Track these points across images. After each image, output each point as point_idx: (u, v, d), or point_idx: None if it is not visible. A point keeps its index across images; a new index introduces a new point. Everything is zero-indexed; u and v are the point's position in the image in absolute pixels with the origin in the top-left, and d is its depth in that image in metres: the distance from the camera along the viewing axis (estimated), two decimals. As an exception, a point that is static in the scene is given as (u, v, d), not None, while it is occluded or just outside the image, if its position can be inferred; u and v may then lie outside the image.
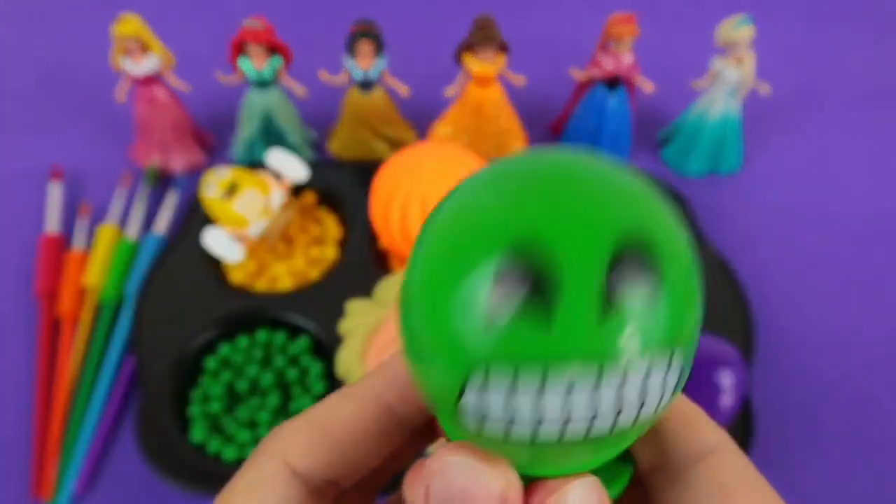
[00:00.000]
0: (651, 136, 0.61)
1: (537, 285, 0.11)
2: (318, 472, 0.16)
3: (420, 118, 0.60)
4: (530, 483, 0.14)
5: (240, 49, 0.52)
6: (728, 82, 0.54)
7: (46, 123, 0.62)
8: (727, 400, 0.37)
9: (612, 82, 0.55)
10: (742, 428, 0.41)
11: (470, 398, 0.12)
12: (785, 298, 0.50)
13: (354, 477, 0.17)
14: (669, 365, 0.13)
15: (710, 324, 0.45)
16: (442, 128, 0.57)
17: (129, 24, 0.51)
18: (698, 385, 0.38)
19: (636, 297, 0.12)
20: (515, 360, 0.12)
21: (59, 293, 0.49)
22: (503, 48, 0.53)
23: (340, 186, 0.53)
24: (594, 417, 0.12)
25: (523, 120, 0.59)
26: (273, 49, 0.53)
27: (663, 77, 0.58)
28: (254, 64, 0.52)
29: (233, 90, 0.56)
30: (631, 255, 0.12)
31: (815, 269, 0.53)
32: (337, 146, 0.58)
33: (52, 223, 0.52)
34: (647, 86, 0.55)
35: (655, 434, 0.16)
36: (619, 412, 0.12)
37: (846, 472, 0.43)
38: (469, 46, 0.52)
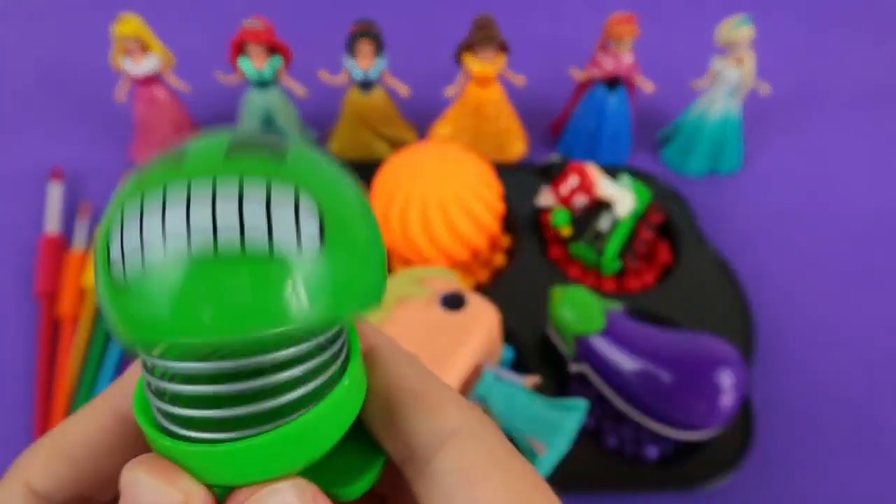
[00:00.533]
0: (651, 136, 0.61)
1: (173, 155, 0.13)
2: (62, 490, 0.15)
3: (420, 118, 0.60)
4: (228, 493, 0.14)
5: (240, 49, 0.52)
6: (728, 82, 0.54)
7: (47, 123, 0.62)
8: (727, 400, 0.37)
9: (612, 82, 0.55)
10: (742, 428, 0.41)
11: (113, 239, 0.13)
12: (785, 298, 0.50)
13: (106, 492, 0.16)
14: (296, 204, 0.13)
15: (711, 324, 0.45)
16: (442, 128, 0.57)
17: (130, 24, 0.51)
18: (698, 385, 0.38)
19: (260, 146, 0.13)
20: (141, 190, 0.13)
21: (59, 293, 0.49)
22: (503, 48, 0.53)
23: (340, 186, 0.53)
24: (217, 229, 0.12)
25: (523, 120, 0.59)
26: (273, 49, 0.53)
27: (663, 77, 0.59)
28: (254, 64, 0.52)
29: (233, 90, 0.56)
30: (254, 138, 0.14)
31: (814, 269, 0.53)
32: (337, 146, 0.58)
33: (53, 223, 0.52)
34: (647, 86, 0.55)
35: (396, 421, 0.15)
36: (242, 228, 0.12)
37: (846, 472, 0.43)
38: (469, 46, 0.52)
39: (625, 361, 0.39)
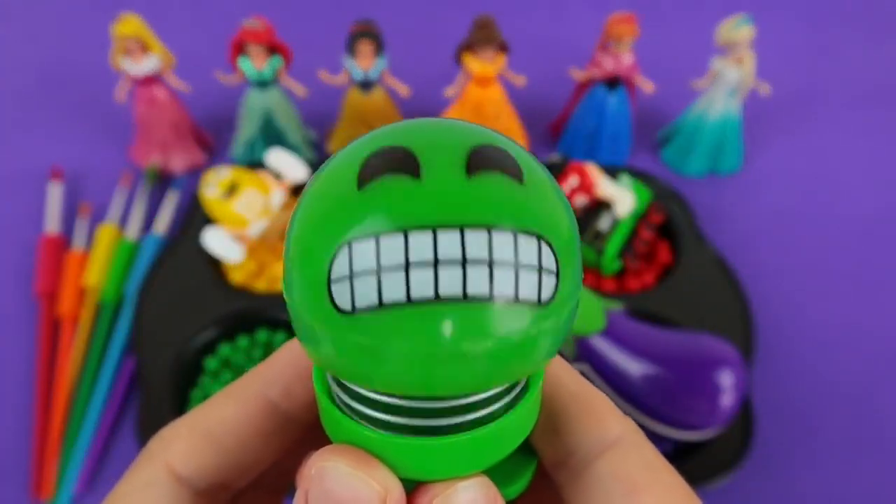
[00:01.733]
0: (651, 136, 0.61)
1: (404, 163, 0.12)
2: (204, 475, 0.15)
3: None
4: (416, 487, 0.14)
5: (240, 49, 0.52)
6: (728, 82, 0.54)
7: (46, 123, 0.62)
8: (727, 400, 0.37)
9: (612, 82, 0.55)
10: (742, 428, 0.41)
11: (339, 261, 0.12)
12: (785, 298, 0.50)
13: (245, 478, 0.16)
14: (539, 252, 0.12)
15: (710, 324, 0.45)
16: (442, 128, 0.57)
17: (130, 25, 0.51)
18: (698, 385, 0.38)
19: (499, 166, 0.12)
20: (377, 224, 0.12)
21: (59, 293, 0.49)
22: (503, 48, 0.53)
23: (340, 186, 0.53)
24: (465, 279, 0.12)
25: (523, 120, 0.59)
26: (273, 49, 0.53)
27: (663, 77, 0.59)
28: (254, 64, 0.52)
29: (233, 90, 0.56)
30: (488, 147, 0.13)
31: (814, 269, 0.53)
32: (337, 146, 0.58)
33: (53, 223, 0.53)
34: (646, 86, 0.55)
35: (557, 427, 0.15)
36: (491, 279, 0.12)
37: (845, 472, 0.43)
38: (469, 46, 0.52)
39: (625, 361, 0.39)
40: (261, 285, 0.48)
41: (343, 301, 0.12)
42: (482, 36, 0.51)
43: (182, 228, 0.50)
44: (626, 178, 0.51)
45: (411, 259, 0.11)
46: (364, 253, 0.12)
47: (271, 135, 0.56)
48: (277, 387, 0.16)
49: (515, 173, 0.12)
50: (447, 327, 0.12)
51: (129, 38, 0.51)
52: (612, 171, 0.52)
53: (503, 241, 0.12)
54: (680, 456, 0.41)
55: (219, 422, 0.15)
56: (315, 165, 0.54)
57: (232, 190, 0.47)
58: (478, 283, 0.12)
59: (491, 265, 0.12)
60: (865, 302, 0.51)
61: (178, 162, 0.57)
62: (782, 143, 0.62)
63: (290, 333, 0.46)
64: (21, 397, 0.45)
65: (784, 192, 0.58)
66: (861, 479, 0.42)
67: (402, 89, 0.55)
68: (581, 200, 0.49)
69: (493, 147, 0.13)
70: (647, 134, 0.61)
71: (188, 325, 0.45)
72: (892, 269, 0.53)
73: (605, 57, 0.54)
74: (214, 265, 0.49)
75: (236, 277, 0.48)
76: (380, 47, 0.52)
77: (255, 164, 0.53)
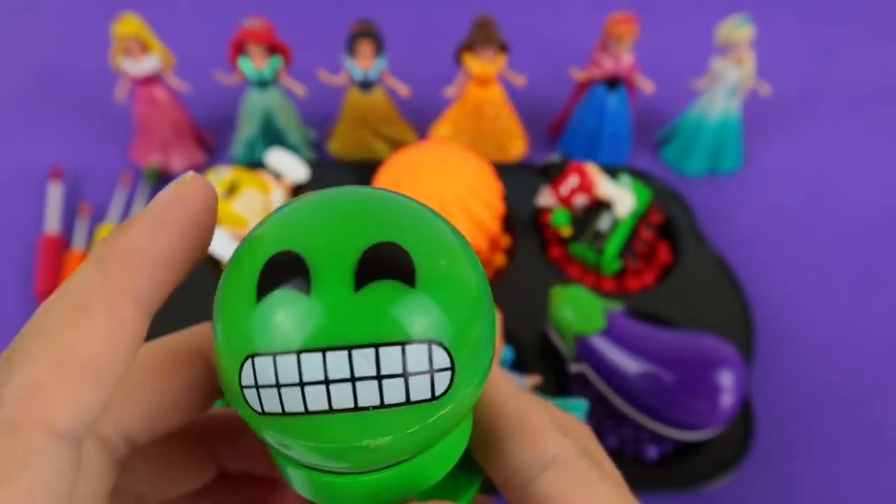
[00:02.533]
0: (651, 136, 0.61)
1: (296, 275, 0.13)
2: (87, 422, 0.12)
3: (420, 118, 0.60)
4: None
5: (240, 49, 0.52)
6: (728, 82, 0.54)
7: (46, 124, 0.62)
8: (727, 400, 0.37)
9: (612, 82, 0.55)
10: (742, 428, 0.41)
11: (245, 372, 0.13)
12: (785, 298, 0.50)
13: (152, 428, 0.15)
14: (430, 356, 0.13)
15: (710, 324, 0.45)
16: (442, 128, 0.57)
17: (130, 24, 0.51)
18: (698, 385, 0.38)
19: (389, 273, 0.13)
20: (272, 343, 0.13)
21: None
22: (503, 48, 0.53)
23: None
24: (355, 393, 0.13)
25: (523, 120, 0.59)
26: (273, 49, 0.53)
27: (663, 77, 0.59)
28: (254, 64, 0.52)
29: (233, 90, 0.56)
30: (382, 248, 0.13)
31: (814, 269, 0.53)
32: (337, 146, 0.58)
33: (52, 223, 0.53)
34: (646, 86, 0.55)
35: (497, 448, 0.16)
36: (381, 390, 0.13)
37: (845, 472, 0.43)
38: (469, 46, 0.52)
39: (625, 361, 0.39)
40: (261, 285, 0.48)
41: (254, 404, 0.13)
42: (482, 36, 0.51)
43: (182, 228, 0.50)
44: (626, 178, 0.51)
45: (304, 378, 0.13)
46: (264, 368, 0.13)
47: (271, 135, 0.56)
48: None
49: (407, 278, 0.13)
50: (345, 431, 0.13)
51: (129, 38, 0.51)
52: (612, 171, 0.52)
53: (390, 355, 0.13)
54: (680, 456, 0.41)
55: (90, 347, 0.12)
56: (315, 165, 0.53)
57: (232, 190, 0.47)
58: (368, 395, 0.13)
59: (380, 379, 0.13)
60: (865, 302, 0.51)
61: (178, 162, 0.57)
62: (782, 143, 0.62)
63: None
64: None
65: (784, 192, 0.58)
66: (860, 479, 0.42)
67: (403, 89, 0.55)
68: (581, 200, 0.49)
69: (387, 246, 0.13)
70: (647, 134, 0.61)
71: (187, 325, 0.45)
72: (893, 268, 0.53)
73: (606, 57, 0.54)
74: (214, 265, 0.49)
75: (236, 277, 0.48)
76: (380, 47, 0.52)
77: (255, 164, 0.53)
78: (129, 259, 0.13)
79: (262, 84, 0.54)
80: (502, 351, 0.41)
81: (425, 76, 0.61)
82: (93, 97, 0.63)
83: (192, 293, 0.48)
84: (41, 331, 0.12)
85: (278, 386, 0.13)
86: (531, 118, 0.61)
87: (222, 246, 0.46)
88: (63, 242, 0.52)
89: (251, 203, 0.47)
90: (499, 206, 0.47)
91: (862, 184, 0.59)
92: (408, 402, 0.13)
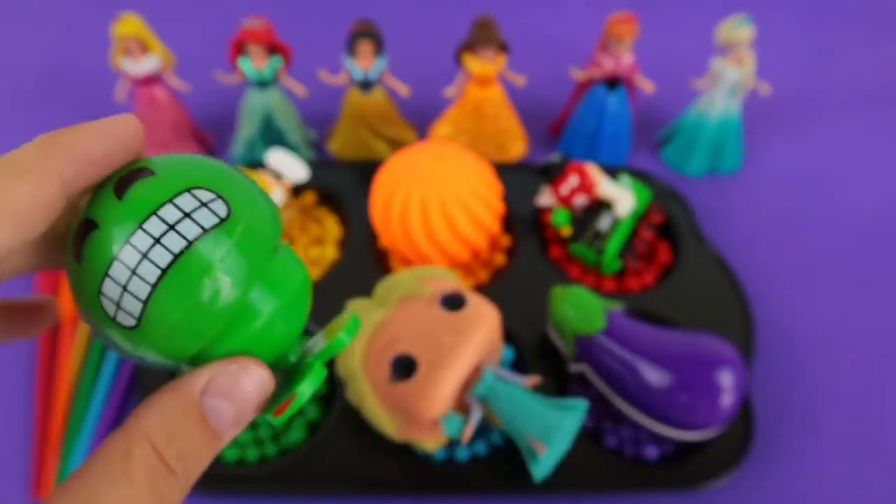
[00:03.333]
0: (651, 136, 0.62)
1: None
2: None
3: (420, 118, 0.60)
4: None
5: (240, 49, 0.52)
6: (728, 82, 0.54)
7: (46, 124, 0.62)
8: (727, 399, 0.37)
9: (612, 82, 0.55)
10: (742, 428, 0.41)
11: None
12: (785, 298, 0.51)
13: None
14: (196, 197, 0.18)
15: (710, 323, 0.45)
16: (442, 128, 0.57)
17: (130, 25, 0.51)
18: (698, 385, 0.38)
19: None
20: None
21: (59, 293, 0.49)
22: (503, 48, 0.53)
23: (340, 186, 0.53)
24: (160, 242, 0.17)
25: (523, 120, 0.59)
26: (273, 49, 0.53)
27: (663, 77, 0.59)
28: (254, 64, 0.52)
29: (232, 90, 0.56)
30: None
31: (814, 269, 0.53)
32: (337, 146, 0.58)
33: (52, 223, 0.53)
34: (647, 86, 0.55)
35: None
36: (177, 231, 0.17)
37: (845, 471, 0.43)
38: (469, 46, 0.52)
39: (625, 361, 0.39)
40: (261, 285, 0.48)
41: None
42: (482, 36, 0.51)
43: (182, 228, 0.50)
44: (626, 178, 0.51)
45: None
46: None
47: (271, 135, 0.56)
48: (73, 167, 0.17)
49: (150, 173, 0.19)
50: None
51: (129, 38, 0.51)
52: (613, 171, 0.52)
53: (169, 211, 0.17)
54: (680, 456, 0.41)
55: (16, 200, 0.16)
56: (315, 165, 0.54)
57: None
58: (174, 242, 0.17)
59: (172, 228, 0.17)
60: (865, 302, 0.51)
61: (178, 162, 0.57)
62: (782, 143, 0.62)
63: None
64: (21, 397, 0.45)
65: (784, 192, 0.58)
66: (860, 478, 0.42)
67: (403, 89, 0.55)
68: (581, 200, 0.49)
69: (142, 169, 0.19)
70: (647, 134, 0.61)
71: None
72: (892, 268, 0.53)
73: (606, 57, 0.54)
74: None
75: (236, 277, 0.48)
76: (380, 47, 0.52)
77: (256, 164, 0.53)
78: (67, 151, 0.17)
79: (262, 84, 0.54)
80: (502, 351, 0.41)
81: (425, 76, 0.61)
82: (93, 97, 0.64)
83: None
84: None
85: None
86: (531, 118, 0.61)
87: None
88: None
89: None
90: (499, 206, 0.47)
91: (861, 184, 0.59)
92: (204, 230, 0.17)
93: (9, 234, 0.16)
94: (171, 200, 0.17)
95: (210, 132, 0.60)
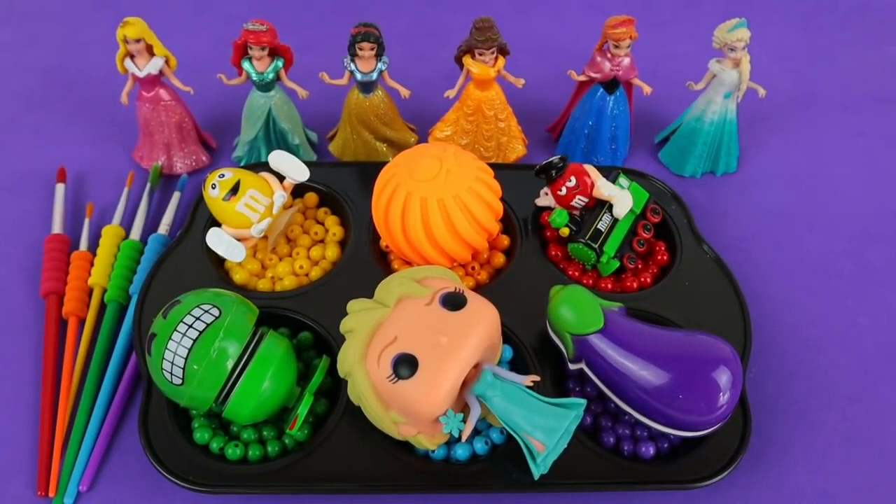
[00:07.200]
0: (649, 137, 0.62)
1: None
2: None
3: (420, 120, 0.61)
4: None
5: (242, 51, 0.53)
6: (725, 84, 0.54)
7: (52, 125, 0.63)
8: (724, 398, 0.38)
9: (611, 84, 0.56)
10: (739, 426, 0.41)
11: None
12: (781, 297, 0.51)
13: None
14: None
15: (708, 323, 0.46)
16: (442, 129, 0.58)
17: (134, 27, 0.51)
18: (695, 383, 0.38)
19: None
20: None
21: (64, 293, 0.49)
22: (503, 51, 0.53)
23: (342, 187, 0.53)
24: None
25: (522, 122, 0.59)
26: (275, 51, 0.53)
27: (661, 79, 0.59)
28: (256, 66, 0.53)
29: (235, 92, 0.56)
30: None
31: (811, 269, 0.53)
32: (338, 147, 0.59)
33: (58, 224, 0.53)
34: (645, 88, 0.56)
35: None
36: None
37: (841, 468, 0.43)
38: (469, 49, 0.53)
39: (623, 360, 0.39)
40: (263, 285, 0.49)
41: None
42: (482, 38, 0.52)
43: (185, 229, 0.51)
44: (624, 179, 0.51)
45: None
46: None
47: (273, 136, 0.57)
48: None
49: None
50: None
51: (134, 41, 0.51)
52: (611, 172, 0.53)
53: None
54: (677, 454, 0.41)
55: None
56: (316, 166, 0.54)
57: (234, 190, 0.47)
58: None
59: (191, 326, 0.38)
60: (861, 301, 0.51)
61: (182, 163, 0.58)
62: (779, 145, 0.62)
63: (292, 332, 0.46)
64: (27, 395, 0.45)
65: (780, 193, 0.58)
66: (856, 475, 0.43)
67: (403, 91, 0.55)
68: (580, 201, 0.49)
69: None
70: (645, 135, 0.62)
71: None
72: (886, 267, 0.53)
73: (604, 59, 0.54)
74: (217, 265, 0.49)
75: (239, 277, 0.49)
76: (381, 49, 0.53)
77: (258, 166, 0.53)
78: None
79: (264, 86, 0.54)
80: (501, 350, 0.42)
81: (426, 78, 0.61)
82: (98, 99, 0.64)
83: (191, 290, 0.48)
84: None
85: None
86: (530, 120, 0.62)
87: (224, 246, 0.47)
88: (69, 243, 0.52)
89: (253, 203, 0.47)
90: (499, 206, 0.48)
91: (856, 184, 0.59)
92: (207, 324, 0.37)
93: None
94: (189, 313, 0.38)
95: (213, 133, 0.61)
